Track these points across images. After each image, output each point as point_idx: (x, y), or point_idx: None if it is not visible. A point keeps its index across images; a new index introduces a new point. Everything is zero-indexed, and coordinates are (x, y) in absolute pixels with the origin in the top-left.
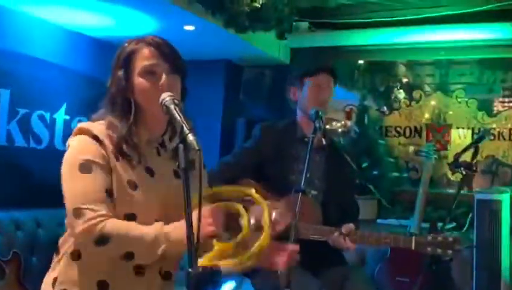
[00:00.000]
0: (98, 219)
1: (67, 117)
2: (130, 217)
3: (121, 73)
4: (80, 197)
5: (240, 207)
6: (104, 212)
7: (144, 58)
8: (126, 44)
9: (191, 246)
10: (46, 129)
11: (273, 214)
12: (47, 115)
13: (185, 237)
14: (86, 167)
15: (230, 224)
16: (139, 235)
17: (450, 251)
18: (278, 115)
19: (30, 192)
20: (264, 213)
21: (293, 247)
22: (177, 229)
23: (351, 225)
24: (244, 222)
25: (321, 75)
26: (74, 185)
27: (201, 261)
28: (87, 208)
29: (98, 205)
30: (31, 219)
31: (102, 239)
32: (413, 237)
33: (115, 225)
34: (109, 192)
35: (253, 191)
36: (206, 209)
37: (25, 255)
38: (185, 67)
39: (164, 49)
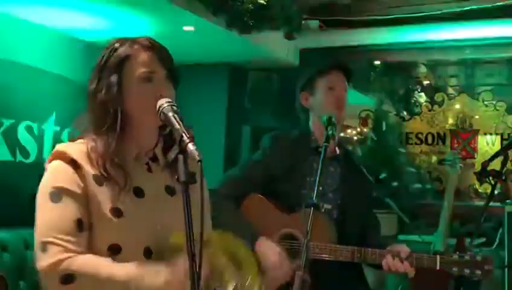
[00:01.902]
0: (65, 255)
1: (57, 128)
2: (115, 248)
3: (114, 78)
4: (47, 229)
5: (227, 267)
6: (72, 247)
7: (142, 63)
8: (117, 45)
9: (194, 270)
10: (34, 141)
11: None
12: (35, 126)
13: (160, 283)
14: (56, 195)
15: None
16: (108, 276)
17: (478, 272)
18: (286, 122)
19: (17, 210)
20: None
21: None
22: (152, 273)
23: (405, 247)
24: (227, 286)
25: (333, 73)
26: (43, 215)
27: None
28: (53, 242)
29: (66, 239)
30: (19, 240)
31: (67, 278)
32: (438, 256)
33: (82, 263)
34: (81, 223)
35: (247, 255)
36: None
37: (12, 279)
38: (178, 75)
39: (163, 55)
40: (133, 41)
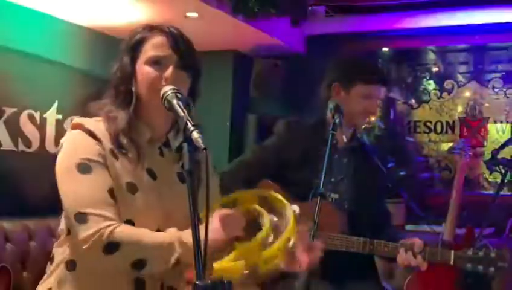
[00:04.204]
0: (106, 224)
1: (60, 117)
2: (128, 224)
3: (127, 59)
4: (82, 200)
5: (259, 208)
6: (111, 215)
7: (154, 46)
8: (139, 29)
9: (199, 257)
10: (36, 130)
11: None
12: (37, 115)
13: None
14: (85, 166)
15: (251, 231)
16: (151, 241)
17: (492, 269)
18: (292, 110)
19: (20, 200)
20: (287, 212)
21: (318, 244)
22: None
23: (419, 240)
24: (265, 221)
25: (376, 85)
26: (74, 187)
27: (221, 263)
28: (92, 213)
29: (103, 209)
30: (22, 230)
31: (112, 246)
32: (452, 251)
33: (124, 231)
34: (113, 192)
35: (271, 192)
36: (217, 215)
37: (15, 269)
38: (198, 66)
39: (178, 41)
40: (154, 26)
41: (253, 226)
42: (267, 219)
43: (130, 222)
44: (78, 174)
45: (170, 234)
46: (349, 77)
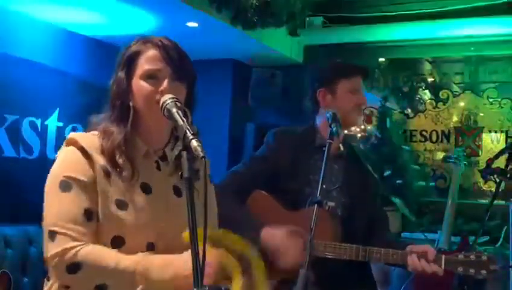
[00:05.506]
0: (72, 244)
1: (60, 124)
2: (118, 240)
3: (122, 74)
4: (56, 217)
5: (236, 272)
6: (80, 236)
7: (148, 60)
8: (133, 42)
9: (197, 265)
10: (37, 137)
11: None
12: (38, 122)
13: (168, 277)
14: (66, 184)
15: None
16: (114, 267)
17: (484, 271)
18: (290, 119)
19: (21, 206)
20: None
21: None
22: (160, 267)
23: (432, 249)
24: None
25: (358, 77)
26: (52, 203)
27: None
28: (61, 232)
29: (74, 228)
30: (22, 236)
31: (74, 267)
32: (443, 256)
33: (89, 253)
34: (90, 213)
35: (252, 254)
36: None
37: (15, 274)
38: (193, 76)
39: (171, 53)
40: (147, 39)
41: (222, 277)
42: (238, 285)
43: (119, 239)
44: (59, 191)
45: (135, 262)
46: (331, 77)
